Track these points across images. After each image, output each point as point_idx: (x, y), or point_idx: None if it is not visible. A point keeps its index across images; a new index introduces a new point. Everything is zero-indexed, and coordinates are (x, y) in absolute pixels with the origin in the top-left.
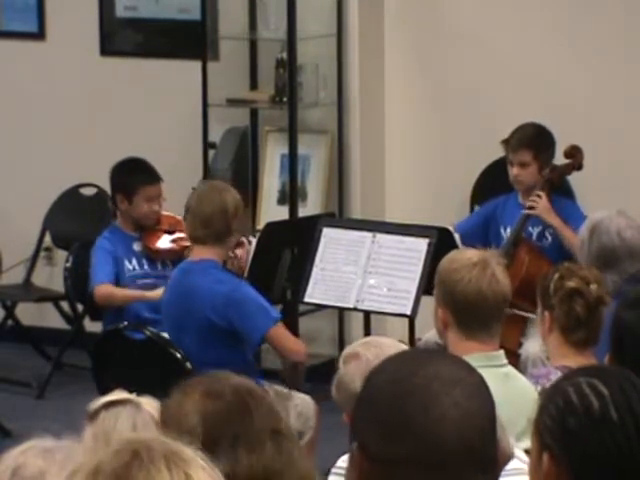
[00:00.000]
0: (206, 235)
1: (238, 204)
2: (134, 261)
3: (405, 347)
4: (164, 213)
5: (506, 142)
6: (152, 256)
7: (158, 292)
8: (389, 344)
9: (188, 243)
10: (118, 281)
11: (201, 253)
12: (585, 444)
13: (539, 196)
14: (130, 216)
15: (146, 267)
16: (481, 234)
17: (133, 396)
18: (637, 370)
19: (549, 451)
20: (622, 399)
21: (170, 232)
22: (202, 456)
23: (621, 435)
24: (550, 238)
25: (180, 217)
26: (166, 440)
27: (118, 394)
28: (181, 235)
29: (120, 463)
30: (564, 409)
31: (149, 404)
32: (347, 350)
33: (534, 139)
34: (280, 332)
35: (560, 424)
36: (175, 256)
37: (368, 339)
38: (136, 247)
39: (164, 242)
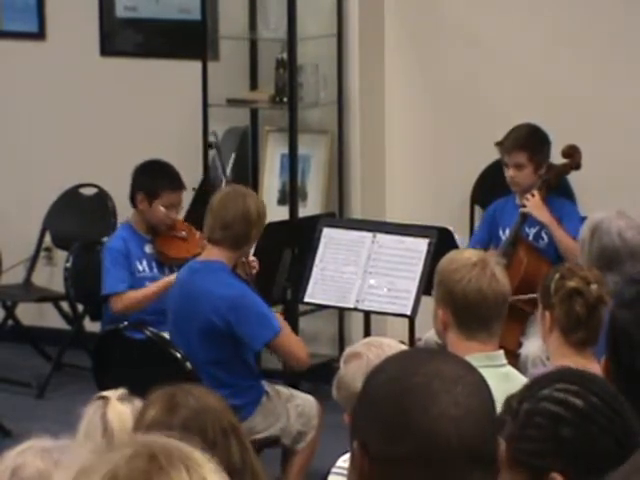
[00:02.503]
0: (224, 238)
1: (261, 211)
2: (144, 263)
3: (406, 348)
4: (178, 218)
5: (500, 144)
6: (162, 260)
7: (172, 277)
8: (390, 344)
9: (199, 251)
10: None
11: (212, 254)
12: (591, 441)
13: (533, 195)
14: (145, 218)
15: (155, 270)
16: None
17: (109, 392)
18: (633, 370)
19: (560, 473)
20: (593, 386)
21: (183, 239)
22: (210, 459)
23: (613, 414)
24: (546, 238)
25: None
26: (179, 443)
27: (107, 393)
28: (193, 242)
29: (139, 468)
30: (551, 424)
31: (123, 400)
32: (348, 350)
33: (528, 140)
34: (282, 342)
35: (555, 441)
36: (185, 263)
37: (369, 339)
38: (148, 249)
39: (176, 248)
